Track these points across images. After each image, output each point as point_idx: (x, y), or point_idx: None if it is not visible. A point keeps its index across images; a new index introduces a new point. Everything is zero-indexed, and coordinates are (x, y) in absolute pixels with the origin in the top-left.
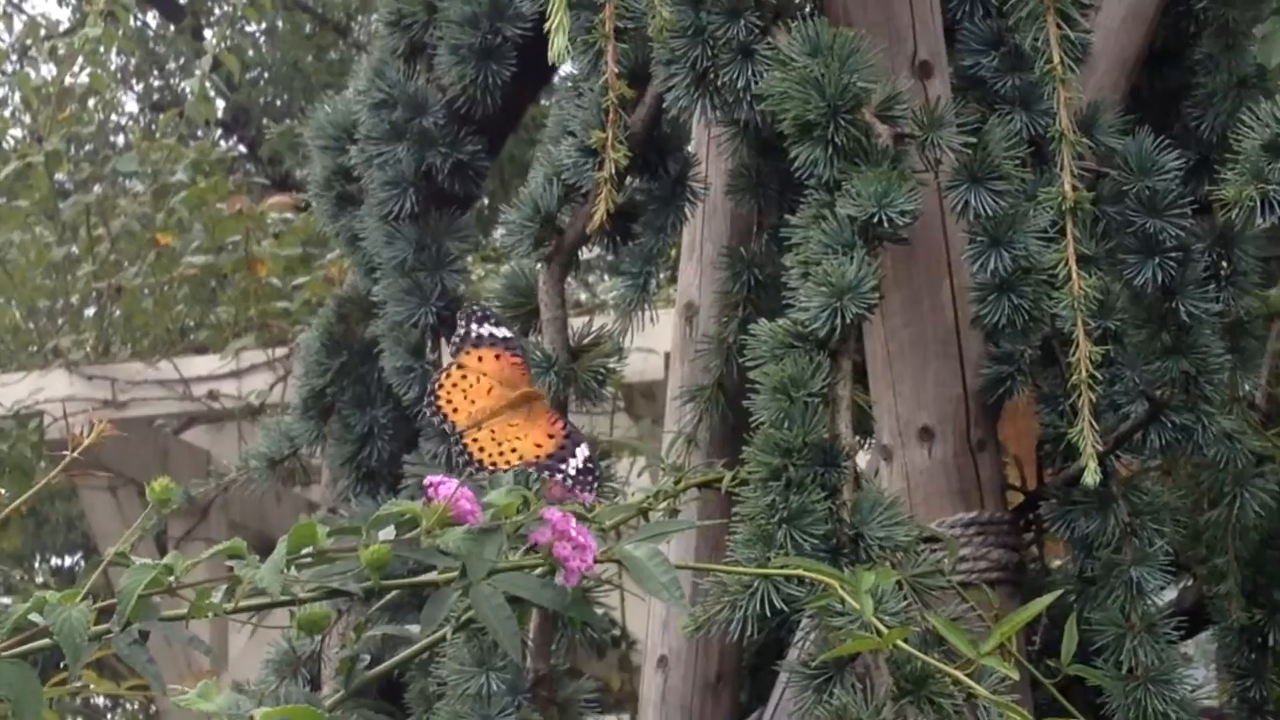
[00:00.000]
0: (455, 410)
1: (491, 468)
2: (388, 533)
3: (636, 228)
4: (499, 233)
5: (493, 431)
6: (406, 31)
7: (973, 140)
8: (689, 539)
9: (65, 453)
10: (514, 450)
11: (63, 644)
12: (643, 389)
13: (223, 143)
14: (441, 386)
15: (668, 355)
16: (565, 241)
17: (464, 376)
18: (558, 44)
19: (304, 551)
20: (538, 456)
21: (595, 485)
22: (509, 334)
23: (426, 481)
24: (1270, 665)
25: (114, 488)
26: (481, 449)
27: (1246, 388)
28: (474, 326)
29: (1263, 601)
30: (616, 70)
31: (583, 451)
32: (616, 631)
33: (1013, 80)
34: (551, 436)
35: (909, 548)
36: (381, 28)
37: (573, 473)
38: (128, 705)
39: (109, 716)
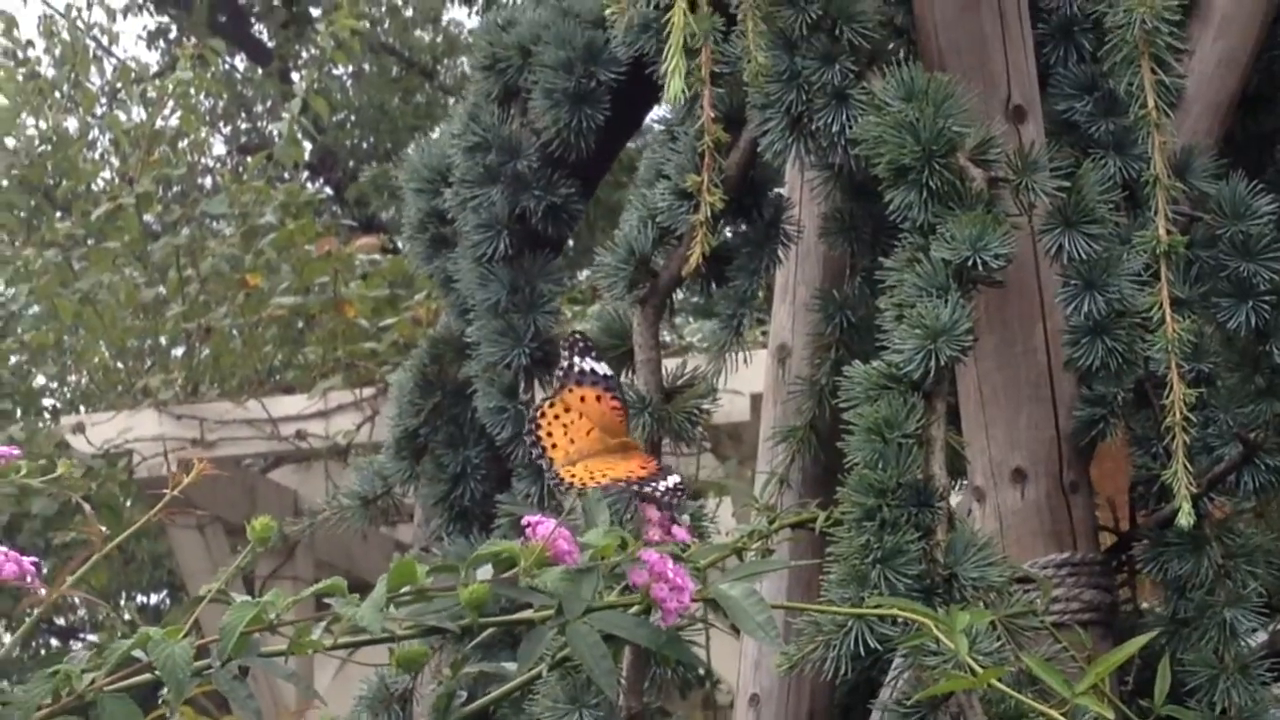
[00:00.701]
0: (554, 445)
1: (583, 485)
2: (485, 571)
3: (730, 271)
4: (584, 274)
5: (588, 467)
6: (501, 75)
7: (1066, 184)
8: (781, 579)
9: (157, 491)
10: (606, 475)
11: (166, 679)
12: (729, 430)
13: (310, 185)
14: (544, 417)
15: (754, 397)
16: (660, 284)
17: (566, 411)
18: (674, 86)
19: (403, 590)
20: (630, 477)
21: (682, 504)
22: (609, 372)
23: (524, 521)
24: None
25: (202, 526)
26: (574, 476)
27: None
28: (577, 360)
29: None
30: (713, 114)
31: (674, 478)
32: (702, 670)
33: (1106, 125)
34: (644, 466)
35: (1002, 588)
36: (476, 72)
37: (663, 490)
38: None
39: None
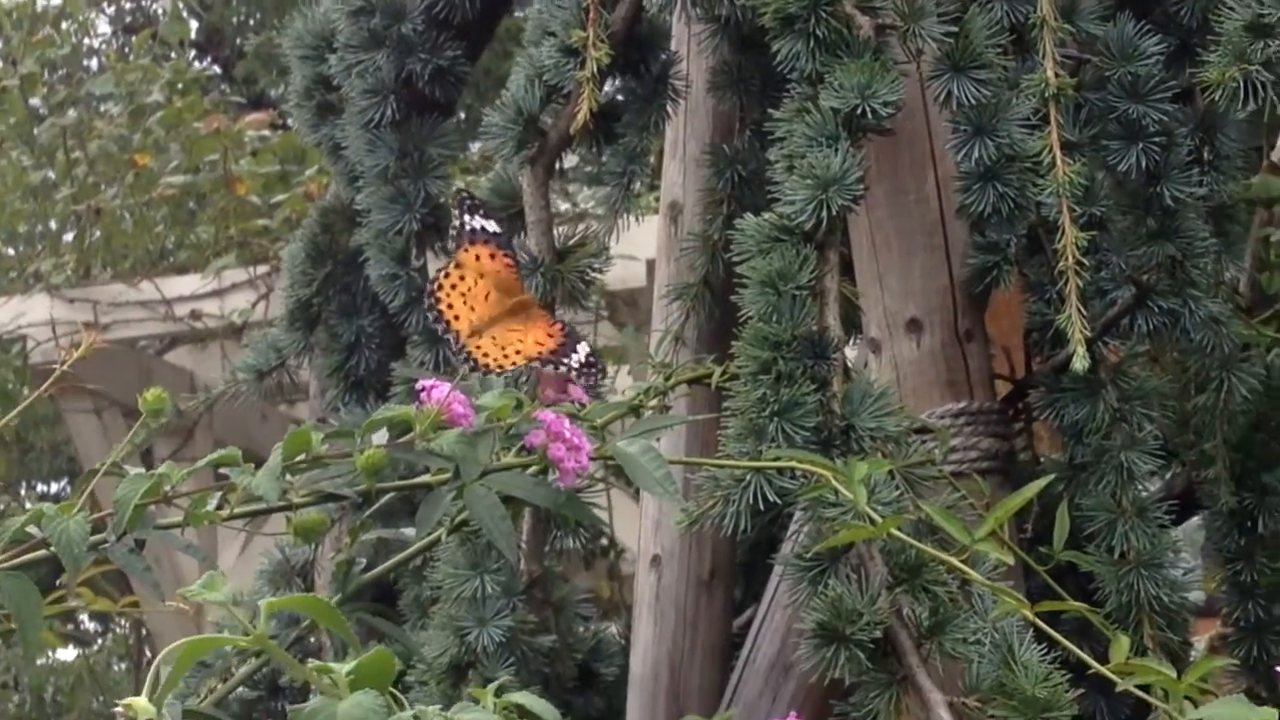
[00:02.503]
0: (457, 317)
1: (499, 369)
2: (381, 437)
3: (619, 127)
4: (476, 146)
5: (494, 337)
6: None
7: (954, 30)
8: (680, 436)
9: (53, 371)
10: (517, 351)
11: (61, 554)
12: (625, 296)
13: (197, 64)
14: (441, 288)
15: (649, 262)
16: (549, 143)
17: (462, 278)
18: None
19: (299, 458)
20: (541, 352)
21: (599, 377)
22: (499, 229)
23: (419, 385)
24: (1259, 549)
25: (99, 410)
26: (485, 354)
27: (1230, 274)
28: (467, 218)
29: (1251, 485)
30: None
31: (584, 348)
32: (605, 540)
33: None
34: (551, 335)
35: (900, 438)
36: None
37: (576, 366)
38: (117, 629)
39: (100, 641)
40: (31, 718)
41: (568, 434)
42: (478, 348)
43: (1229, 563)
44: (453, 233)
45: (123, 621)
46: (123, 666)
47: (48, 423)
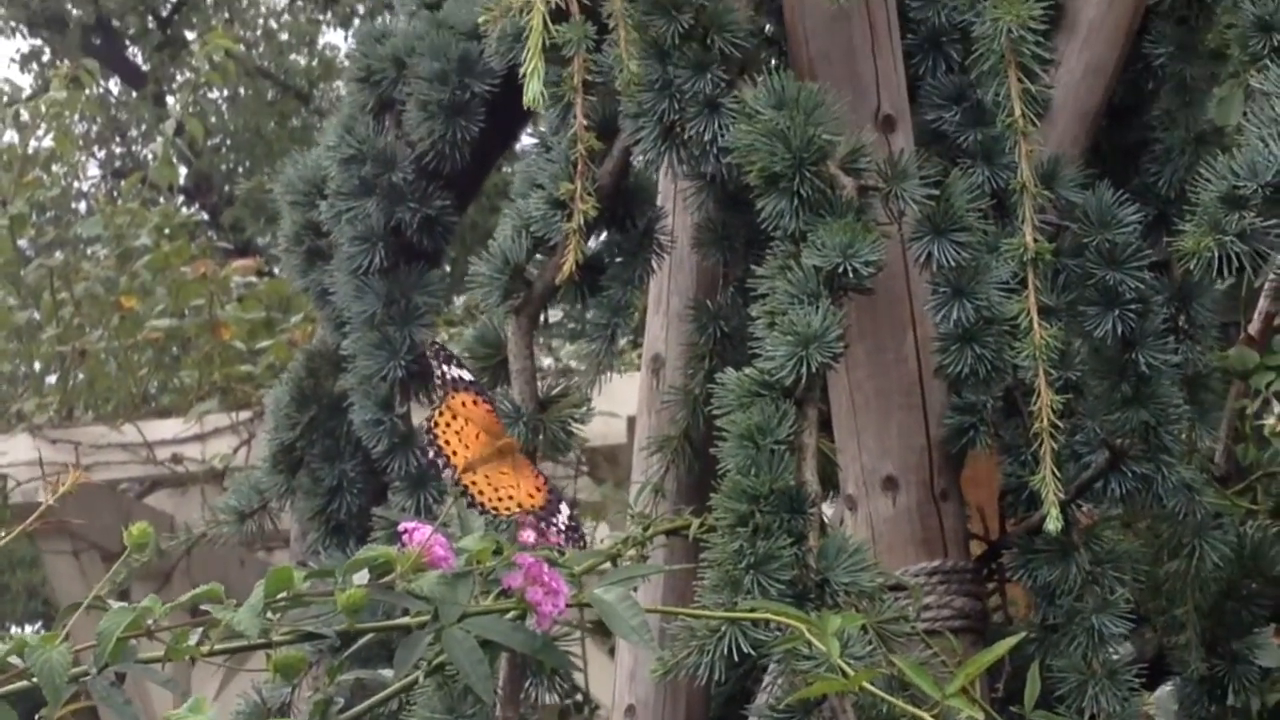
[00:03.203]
0: (454, 453)
1: (494, 511)
2: (362, 577)
3: (604, 280)
4: (460, 300)
5: (486, 476)
6: (376, 88)
7: (936, 193)
8: (656, 587)
9: (33, 511)
10: (511, 498)
11: (43, 685)
12: (606, 453)
13: (185, 209)
14: (438, 426)
15: (630, 419)
16: (534, 293)
17: (454, 418)
18: (532, 89)
19: (280, 596)
20: (531, 508)
21: (580, 541)
22: (472, 377)
23: (401, 527)
24: (1231, 717)
25: (77, 552)
26: (481, 492)
27: (1206, 444)
28: (445, 368)
29: (1222, 653)
30: (585, 123)
31: (565, 509)
32: (580, 697)
33: (975, 135)
34: (539, 490)
35: (874, 594)
36: (351, 84)
37: (560, 528)
38: None
39: None
40: None
41: (546, 578)
42: (473, 483)
43: None
44: (437, 381)
45: None
46: None
47: (24, 565)
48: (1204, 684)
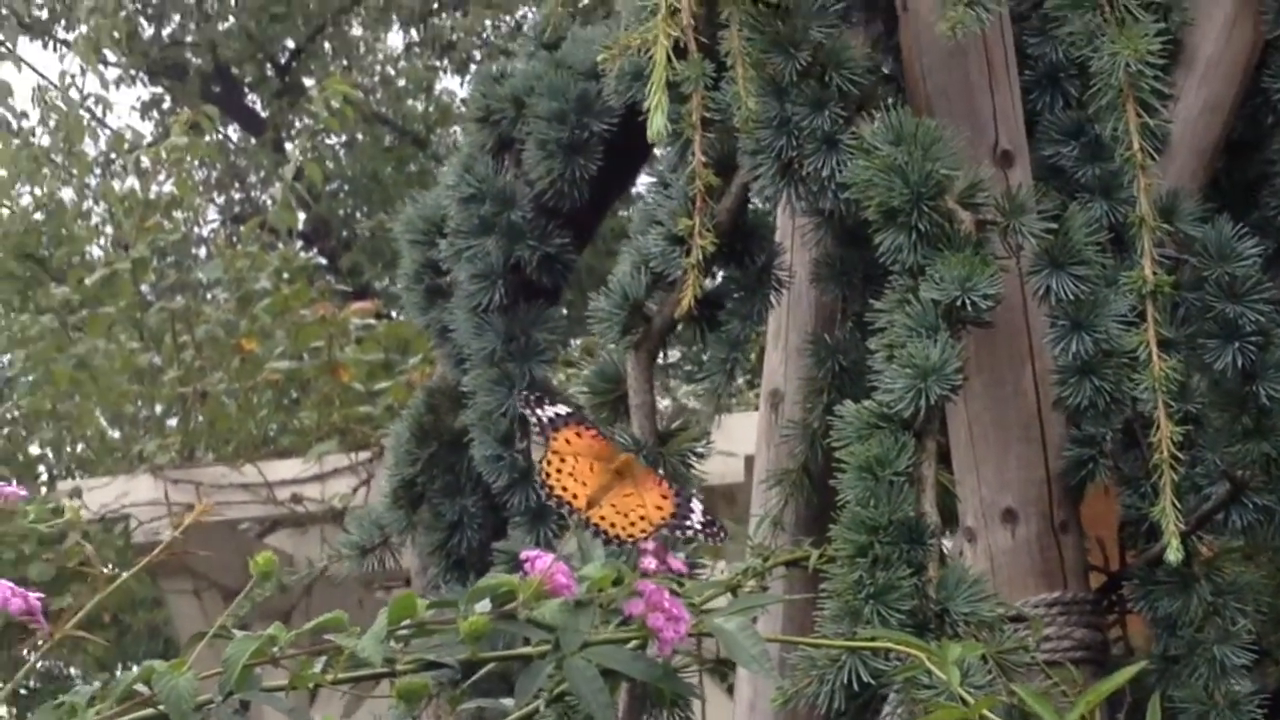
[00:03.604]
0: (574, 496)
1: (630, 539)
2: (484, 606)
3: (722, 315)
4: (577, 342)
5: (613, 505)
6: (495, 127)
7: (1054, 227)
8: (775, 618)
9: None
10: (641, 518)
11: (170, 710)
12: (724, 491)
13: (304, 254)
14: (549, 475)
15: (749, 458)
16: (653, 328)
17: (563, 460)
18: (656, 123)
19: (403, 624)
20: (663, 519)
21: (721, 534)
22: (570, 408)
23: (523, 555)
24: None
25: (198, 591)
26: (611, 524)
27: None
28: (540, 412)
29: None
30: (703, 159)
31: (698, 505)
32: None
33: (1093, 169)
34: (665, 497)
35: (994, 625)
36: (470, 124)
37: (698, 526)
38: None
39: None
40: None
41: (667, 604)
42: (601, 519)
43: None
44: (535, 430)
45: None
46: None
47: (146, 605)
48: None
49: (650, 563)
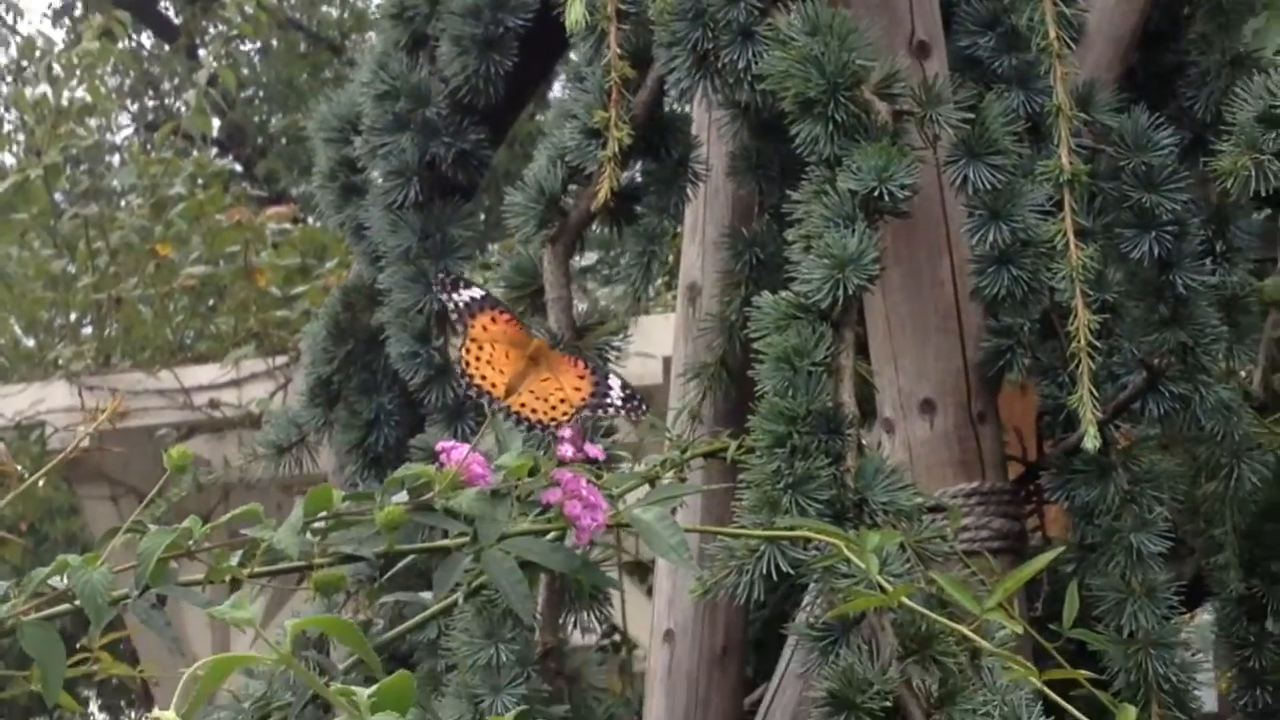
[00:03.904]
0: (493, 384)
1: (553, 423)
2: (401, 497)
3: (639, 209)
4: (494, 247)
5: (532, 391)
6: (409, 24)
7: (971, 117)
8: (694, 510)
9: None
10: (561, 400)
11: (85, 605)
12: (642, 393)
13: (219, 160)
14: (468, 364)
15: (667, 360)
16: (569, 222)
17: (480, 348)
18: (575, 11)
19: (319, 516)
20: (584, 399)
21: (642, 407)
22: (484, 291)
23: (438, 447)
24: (1269, 636)
25: (115, 497)
26: (533, 411)
27: (1243, 374)
28: (456, 296)
29: (1260, 573)
30: (619, 52)
31: (616, 381)
32: (617, 636)
33: (1009, 59)
34: (582, 377)
35: (912, 514)
36: (384, 20)
37: (619, 403)
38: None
39: None
40: None
41: (584, 492)
42: (522, 405)
43: (1238, 649)
44: (453, 315)
45: (131, 713)
46: None
47: (63, 513)
48: (1242, 605)
49: (567, 450)
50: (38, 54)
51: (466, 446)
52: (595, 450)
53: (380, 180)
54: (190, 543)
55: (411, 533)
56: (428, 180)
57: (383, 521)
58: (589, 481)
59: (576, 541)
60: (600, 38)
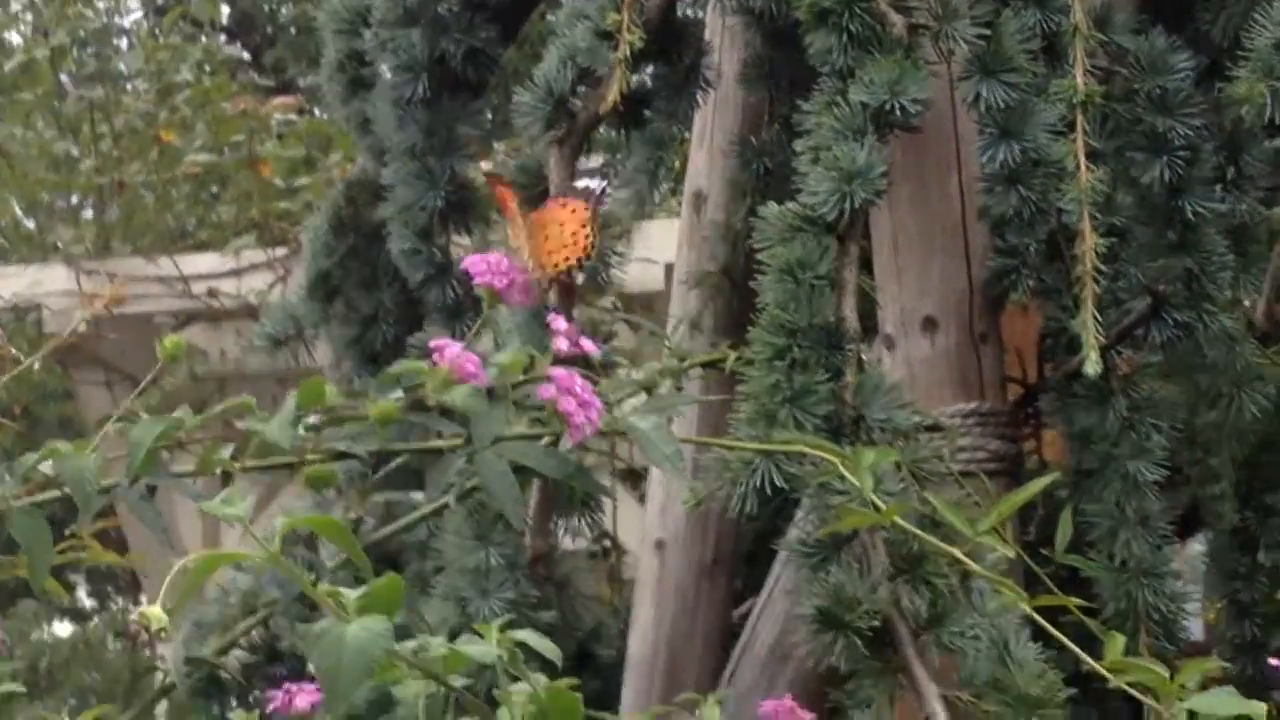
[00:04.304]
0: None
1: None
2: (396, 395)
3: (648, 114)
4: (500, 146)
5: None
6: None
7: (986, 33)
8: (690, 421)
9: (69, 343)
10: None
11: (73, 492)
12: (642, 300)
13: (227, 48)
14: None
15: (668, 266)
16: (577, 123)
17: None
18: None
19: (313, 410)
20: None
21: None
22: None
23: (432, 344)
24: (1260, 568)
25: (110, 383)
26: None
27: (1247, 303)
28: None
29: (1255, 505)
30: None
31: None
32: (608, 542)
33: None
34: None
35: (909, 432)
36: None
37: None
38: (113, 605)
39: (95, 619)
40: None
41: (578, 389)
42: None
43: (1229, 580)
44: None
45: (119, 600)
46: (118, 645)
47: (57, 397)
48: (1236, 536)
49: (563, 344)
50: None
51: (459, 345)
52: (591, 345)
53: (388, 75)
54: (182, 433)
55: (405, 431)
56: (436, 76)
57: (376, 416)
58: (584, 378)
59: (570, 440)
60: None
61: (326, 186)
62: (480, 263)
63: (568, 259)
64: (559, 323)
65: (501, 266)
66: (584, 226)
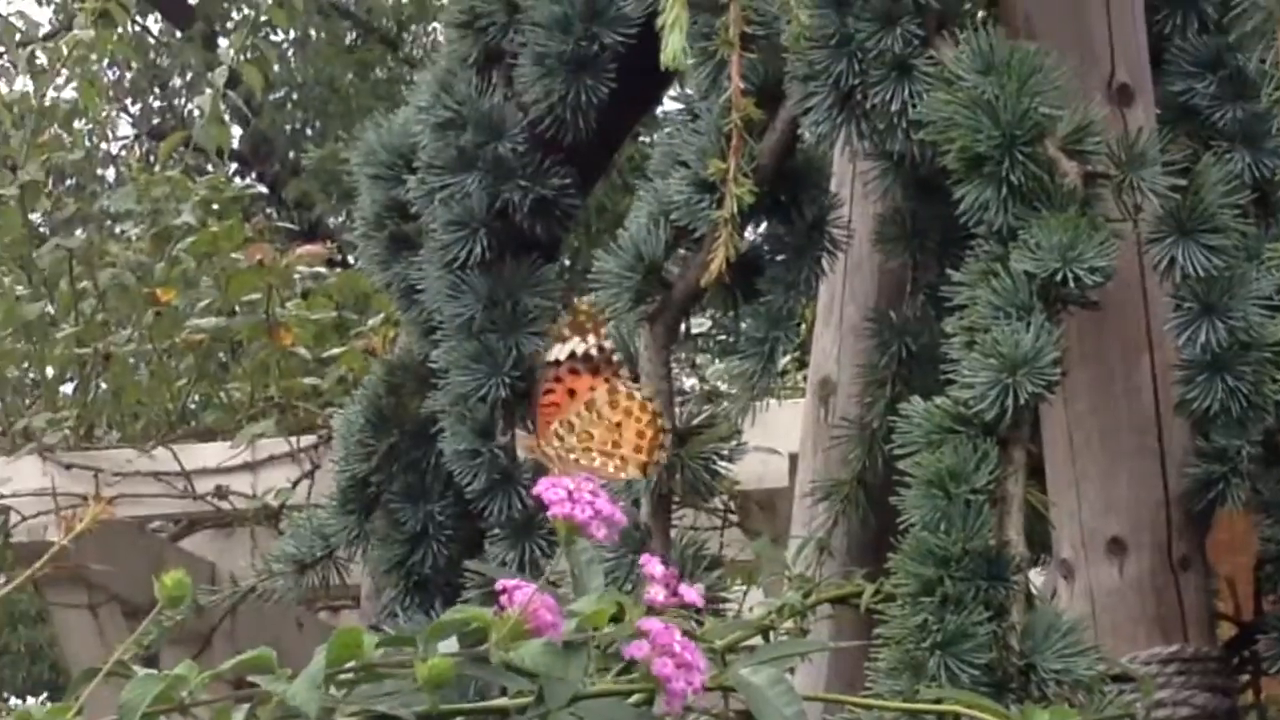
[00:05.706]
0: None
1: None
2: (449, 645)
3: (761, 283)
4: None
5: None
6: (481, 35)
7: (1183, 183)
8: (819, 668)
9: (40, 554)
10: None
11: None
12: (761, 498)
13: (239, 179)
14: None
15: (793, 456)
16: (673, 297)
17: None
18: (673, 43)
19: (346, 666)
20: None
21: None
22: None
23: (499, 585)
24: None
25: (94, 606)
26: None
27: None
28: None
29: None
30: (742, 86)
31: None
32: None
33: (1234, 110)
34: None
35: (1093, 685)
36: (451, 31)
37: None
38: None
39: None
40: None
41: (678, 648)
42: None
43: None
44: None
45: None
46: None
47: (28, 620)
48: None
49: (657, 594)
50: (17, 40)
51: (532, 586)
52: (693, 594)
53: (439, 231)
54: (184, 694)
55: (462, 685)
56: (498, 233)
57: (426, 677)
58: (685, 634)
59: (667, 709)
60: (719, 67)
61: (363, 357)
62: (556, 488)
63: (645, 464)
64: (653, 565)
65: (584, 493)
66: (655, 418)
